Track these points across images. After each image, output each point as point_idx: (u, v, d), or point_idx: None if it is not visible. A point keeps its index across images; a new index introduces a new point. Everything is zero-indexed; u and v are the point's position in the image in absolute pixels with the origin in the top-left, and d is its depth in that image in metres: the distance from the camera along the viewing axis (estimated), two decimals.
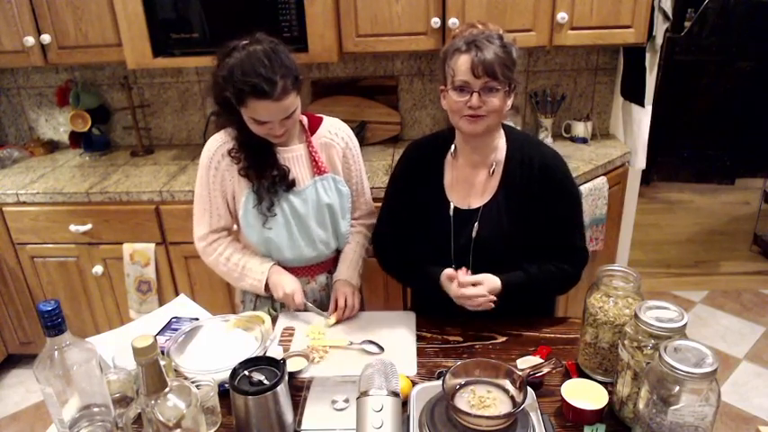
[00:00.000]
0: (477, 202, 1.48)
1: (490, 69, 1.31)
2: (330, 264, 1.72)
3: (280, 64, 1.38)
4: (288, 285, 1.58)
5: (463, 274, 1.40)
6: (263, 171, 1.53)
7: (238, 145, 1.53)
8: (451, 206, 1.48)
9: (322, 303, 1.72)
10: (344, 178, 1.65)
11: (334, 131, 1.63)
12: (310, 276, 1.70)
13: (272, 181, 1.53)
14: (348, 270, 1.65)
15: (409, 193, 1.54)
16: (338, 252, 1.72)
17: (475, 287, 1.38)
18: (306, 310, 1.60)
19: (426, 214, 1.51)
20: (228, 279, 1.66)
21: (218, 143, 1.56)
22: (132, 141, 2.94)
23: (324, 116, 1.66)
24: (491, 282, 1.40)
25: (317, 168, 1.59)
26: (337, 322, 1.55)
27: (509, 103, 1.40)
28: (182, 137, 2.95)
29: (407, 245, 1.55)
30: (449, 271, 1.42)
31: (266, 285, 1.60)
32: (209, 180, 1.57)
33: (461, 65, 1.33)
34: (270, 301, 1.69)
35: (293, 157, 1.58)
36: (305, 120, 1.60)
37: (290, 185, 1.56)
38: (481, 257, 1.46)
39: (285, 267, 1.64)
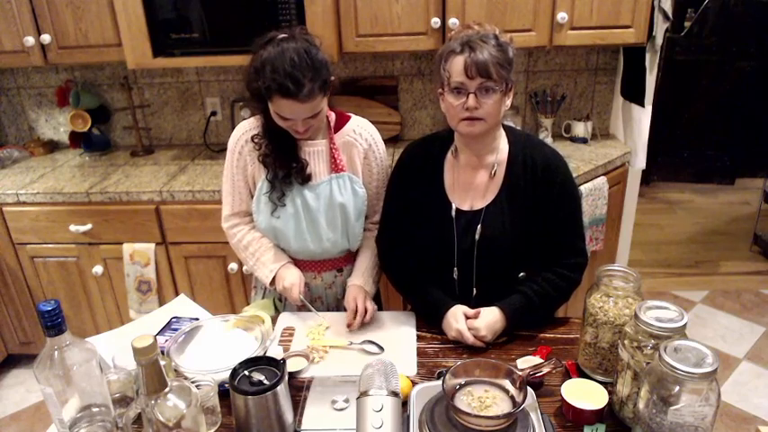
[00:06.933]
0: (479, 203, 1.47)
1: (484, 70, 1.31)
2: (340, 262, 1.70)
3: (310, 66, 1.38)
4: (288, 279, 1.58)
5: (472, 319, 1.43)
6: (282, 161, 1.55)
7: (263, 132, 1.56)
8: (453, 207, 1.47)
9: (327, 302, 1.72)
10: (365, 180, 1.64)
11: (359, 131, 1.62)
12: (317, 272, 1.69)
13: (288, 172, 1.55)
14: (362, 276, 1.63)
15: (409, 195, 1.53)
16: (350, 252, 1.71)
17: (477, 332, 1.41)
18: (303, 306, 1.58)
19: (428, 216, 1.50)
20: (245, 264, 1.70)
21: (245, 128, 1.60)
22: (132, 141, 2.94)
23: (353, 115, 1.65)
24: (491, 326, 1.42)
25: (334, 166, 1.59)
26: (350, 325, 1.52)
27: (508, 102, 1.39)
28: (182, 137, 2.95)
29: (411, 247, 1.54)
30: (458, 313, 1.44)
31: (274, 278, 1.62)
32: (233, 163, 1.62)
33: (456, 66, 1.33)
34: (277, 292, 1.69)
35: (314, 151, 1.59)
36: (332, 117, 1.61)
37: (305, 179, 1.57)
38: (485, 258, 1.46)
39: (292, 259, 1.65)
